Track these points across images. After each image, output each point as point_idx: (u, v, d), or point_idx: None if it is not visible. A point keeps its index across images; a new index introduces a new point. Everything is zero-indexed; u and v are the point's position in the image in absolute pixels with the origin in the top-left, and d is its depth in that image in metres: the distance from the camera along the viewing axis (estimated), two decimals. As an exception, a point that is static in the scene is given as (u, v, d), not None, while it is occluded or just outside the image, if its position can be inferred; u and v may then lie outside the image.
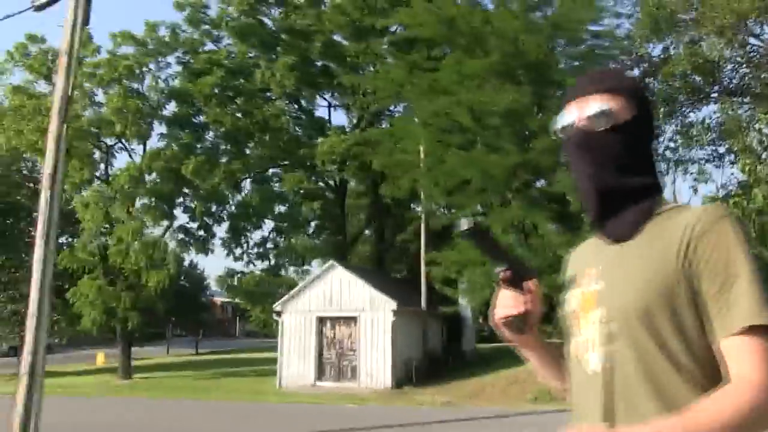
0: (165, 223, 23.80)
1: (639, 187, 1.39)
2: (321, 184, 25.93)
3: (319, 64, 25.43)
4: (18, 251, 28.71)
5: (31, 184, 30.36)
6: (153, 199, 23.12)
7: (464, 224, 1.31)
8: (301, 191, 24.03)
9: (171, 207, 23.62)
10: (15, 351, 38.64)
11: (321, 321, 20.43)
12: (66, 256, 23.92)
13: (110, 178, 24.20)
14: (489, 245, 1.40)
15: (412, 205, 25.04)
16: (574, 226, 17.13)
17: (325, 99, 27.43)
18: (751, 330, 1.15)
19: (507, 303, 1.41)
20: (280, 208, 24.34)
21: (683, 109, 18.89)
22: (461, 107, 16.83)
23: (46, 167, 11.17)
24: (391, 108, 24.58)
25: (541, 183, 18.25)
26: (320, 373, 20.10)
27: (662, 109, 17.60)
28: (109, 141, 24.75)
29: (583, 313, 1.38)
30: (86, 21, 11.87)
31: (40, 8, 12.47)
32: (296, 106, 26.76)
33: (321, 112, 26.55)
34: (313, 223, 25.89)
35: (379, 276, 23.26)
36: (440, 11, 17.67)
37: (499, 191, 17.11)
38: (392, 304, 19.08)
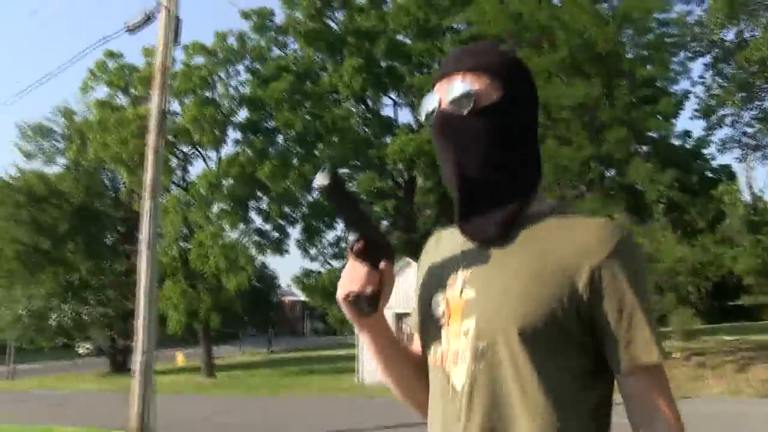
0: (241, 226, 24.73)
1: (509, 180, 1.24)
2: (391, 182, 26.37)
3: (384, 64, 25.86)
4: (102, 257, 30.09)
5: (113, 194, 31.80)
6: (230, 204, 23.96)
7: (321, 178, 1.13)
8: (373, 190, 24.49)
9: (246, 210, 24.51)
10: (98, 351, 40.54)
11: (399, 318, 20.84)
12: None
13: (188, 185, 25.22)
14: (347, 206, 1.22)
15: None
16: (646, 216, 17.17)
17: (390, 98, 27.86)
18: (651, 366, 1.14)
19: (355, 277, 1.24)
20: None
21: (762, 95, 18.61)
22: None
23: (147, 178, 11.92)
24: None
25: (613, 174, 18.30)
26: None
27: (738, 96, 17.44)
28: (186, 149, 25.80)
29: (451, 321, 1.25)
30: (176, 40, 12.61)
31: (132, 30, 13.31)
32: (363, 107, 27.26)
33: (386, 111, 27.00)
34: (385, 222, 26.37)
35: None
36: (507, 7, 17.90)
37: (572, 184, 17.26)
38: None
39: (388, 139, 26.39)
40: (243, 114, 25.74)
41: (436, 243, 1.41)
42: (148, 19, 12.75)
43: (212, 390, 21.24)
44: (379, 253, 1.24)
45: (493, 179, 1.24)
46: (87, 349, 41.47)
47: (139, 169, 24.55)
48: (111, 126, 23.69)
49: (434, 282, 1.31)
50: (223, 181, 23.69)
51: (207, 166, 25.51)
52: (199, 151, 25.81)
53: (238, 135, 25.59)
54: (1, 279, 30.97)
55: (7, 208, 28.11)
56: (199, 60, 25.20)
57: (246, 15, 25.34)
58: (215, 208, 24.50)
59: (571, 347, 1.16)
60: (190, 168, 26.47)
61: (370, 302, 1.25)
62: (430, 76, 24.58)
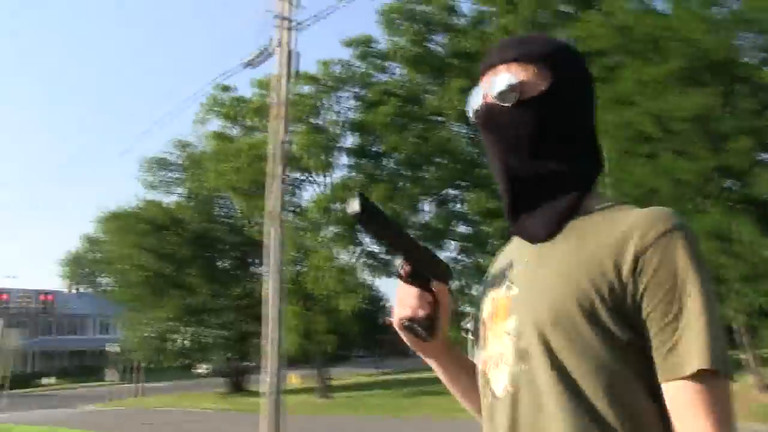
0: (353, 249, 25.22)
1: (559, 176, 1.17)
2: (500, 203, 26.30)
3: (487, 84, 25.94)
4: (220, 281, 31.37)
5: (227, 220, 33.17)
6: (341, 227, 24.53)
7: (352, 205, 1.08)
8: (483, 211, 24.48)
9: (357, 233, 25.01)
10: (215, 371, 42.11)
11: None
12: (264, 283, 25.85)
13: (299, 210, 26.00)
14: (384, 230, 1.18)
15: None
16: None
17: (497, 116, 27.86)
18: (701, 374, 0.98)
19: (408, 302, 1.20)
20: (462, 229, 25.12)
21: None
22: (645, 116, 16.61)
23: (270, 206, 12.46)
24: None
25: (737, 186, 17.53)
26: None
27: None
28: (297, 175, 26.61)
29: (493, 322, 1.19)
30: (293, 74, 13.16)
31: (250, 65, 13.99)
32: (468, 127, 27.40)
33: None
34: (494, 242, 26.31)
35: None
36: (614, 20, 17.60)
37: (692, 198, 16.65)
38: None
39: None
40: (351, 139, 26.40)
41: (503, 251, 1.34)
42: (265, 54, 13.39)
43: (331, 410, 21.67)
44: (429, 274, 1.20)
45: (542, 175, 1.17)
46: (205, 369, 43.16)
47: (255, 196, 25.59)
48: (226, 156, 24.79)
49: (488, 284, 1.26)
50: (334, 205, 24.26)
51: (318, 191, 26.29)
52: (310, 177, 26.61)
53: (347, 160, 26.24)
54: (129, 303, 32.92)
55: (132, 236, 29.85)
56: (305, 89, 26.04)
57: (348, 43, 25.99)
58: (327, 232, 25.12)
59: (615, 347, 1.04)
60: (301, 193, 27.26)
61: (425, 327, 1.19)
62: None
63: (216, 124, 28.61)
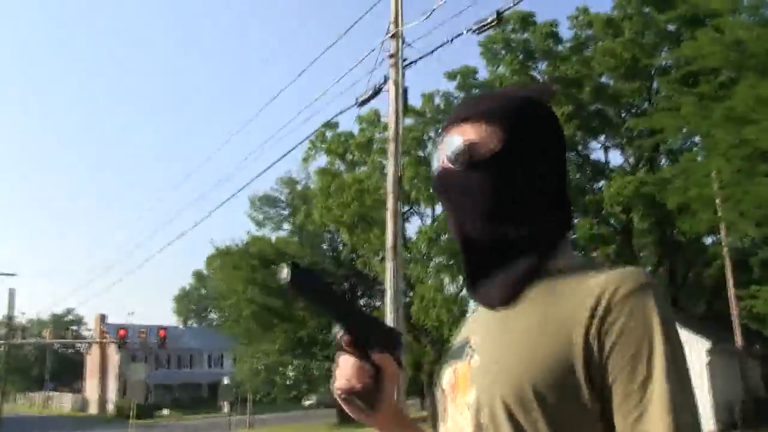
0: (461, 279, 25.26)
1: (517, 239, 1.09)
2: (609, 227, 25.76)
3: (591, 108, 25.60)
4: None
5: (332, 254, 33.93)
6: (447, 258, 24.61)
7: (283, 275, 1.05)
8: (590, 236, 24.04)
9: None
10: (320, 403, 42.76)
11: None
12: (375, 313, 26.21)
13: (405, 241, 26.27)
14: (322, 298, 1.12)
15: (705, 239, 24.08)
16: None
17: (598, 142, 27.41)
18: None
19: (346, 373, 1.10)
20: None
21: None
22: (765, 133, 15.95)
23: (388, 241, 12.66)
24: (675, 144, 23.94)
25: None
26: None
27: None
28: (404, 207, 27.05)
29: (454, 394, 1.11)
30: (405, 111, 13.45)
31: (362, 104, 14.40)
32: (573, 153, 27.09)
33: (595, 155, 26.68)
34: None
35: (682, 315, 22.33)
36: (726, 37, 17.08)
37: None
38: (705, 344, 18.19)
39: (601, 183, 25.92)
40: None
41: (472, 314, 1.25)
42: (377, 92, 13.76)
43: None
44: (372, 344, 1.11)
45: (499, 239, 1.10)
46: (311, 400, 43.82)
47: (360, 229, 26.05)
48: (332, 191, 25.44)
49: (450, 354, 1.17)
50: (441, 237, 24.37)
51: (423, 222, 26.53)
52: (416, 209, 26.91)
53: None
54: (239, 336, 33.99)
55: (242, 272, 30.94)
56: (408, 121, 26.46)
57: (451, 75, 26.29)
58: (434, 263, 25.26)
59: (583, 417, 0.96)
60: (407, 225, 27.57)
61: (364, 398, 1.10)
62: (641, 116, 23.95)
63: (322, 161, 29.46)
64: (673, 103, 19.49)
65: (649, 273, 1.02)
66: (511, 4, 12.43)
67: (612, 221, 26.00)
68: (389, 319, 12.46)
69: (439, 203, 1.25)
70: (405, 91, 13.13)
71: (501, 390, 0.99)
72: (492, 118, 1.11)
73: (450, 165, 1.12)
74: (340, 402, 1.11)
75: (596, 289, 0.97)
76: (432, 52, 13.34)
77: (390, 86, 13.07)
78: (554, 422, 0.96)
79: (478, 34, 12.97)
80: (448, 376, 1.13)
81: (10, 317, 32.81)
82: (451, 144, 1.12)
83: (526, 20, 25.24)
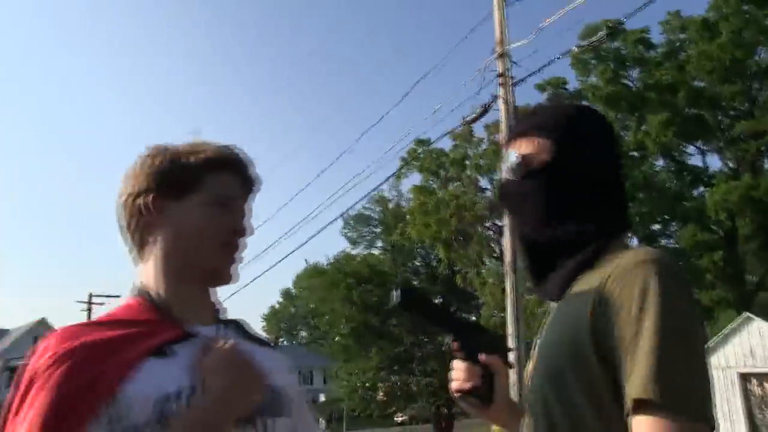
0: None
1: (572, 238, 1.19)
2: (713, 234, 25.16)
3: (688, 113, 25.13)
4: (423, 330, 32.25)
5: (425, 270, 34.20)
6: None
7: (394, 298, 1.19)
8: (695, 244, 23.52)
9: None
10: (411, 419, 42.89)
11: (744, 378, 19.44)
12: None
13: (502, 256, 26.32)
14: (430, 315, 1.28)
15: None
16: None
17: (697, 147, 26.83)
18: (643, 407, 0.94)
19: (459, 376, 1.28)
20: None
21: None
22: None
23: (506, 256, 12.88)
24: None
25: None
26: (753, 435, 18.98)
27: None
28: (500, 222, 27.10)
29: (529, 378, 1.23)
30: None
31: (471, 122, 14.71)
32: (667, 160, 26.59)
33: (692, 160, 26.23)
34: (709, 276, 25.15)
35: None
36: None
37: None
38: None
39: (700, 189, 25.36)
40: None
41: None
42: (485, 111, 14.04)
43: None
44: (480, 348, 1.27)
45: (553, 239, 1.20)
46: (403, 417, 44.03)
47: (461, 245, 26.24)
48: (428, 208, 25.75)
49: (534, 343, 1.31)
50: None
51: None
52: (514, 223, 26.92)
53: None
54: (336, 354, 34.64)
55: (340, 290, 31.57)
56: (499, 137, 26.58)
57: (540, 87, 26.30)
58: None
59: (601, 387, 1.03)
60: (502, 240, 27.59)
61: (477, 396, 1.27)
62: (742, 119, 23.38)
63: (415, 178, 29.83)
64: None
65: (658, 251, 1.07)
66: (623, 18, 12.51)
67: (714, 227, 25.36)
68: (511, 333, 12.67)
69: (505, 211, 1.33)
70: (516, 108, 13.38)
71: (540, 365, 1.16)
72: (543, 132, 1.23)
73: (509, 176, 1.27)
74: (456, 400, 1.30)
75: (611, 268, 1.07)
76: (540, 69, 13.55)
77: (500, 105, 13.33)
78: (576, 396, 1.05)
79: (590, 50, 13.13)
80: (532, 360, 1.27)
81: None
82: (510, 158, 1.26)
83: (612, 27, 25.02)
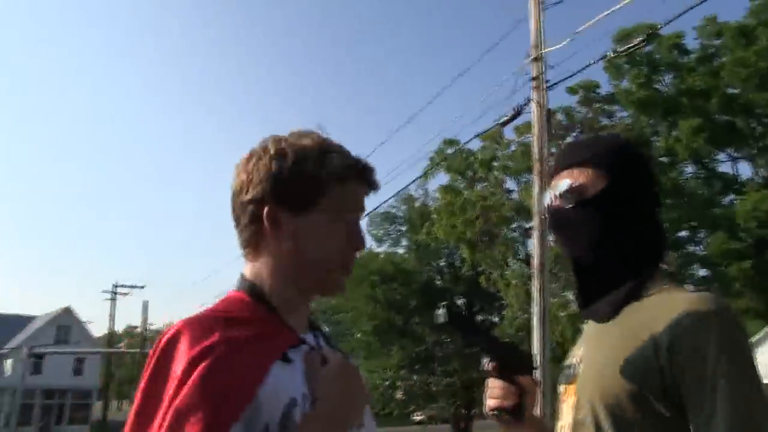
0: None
1: (620, 266, 1.28)
2: (743, 243, 24.93)
3: (720, 119, 24.88)
4: (444, 330, 32.33)
5: (449, 270, 34.20)
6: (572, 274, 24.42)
7: (441, 317, 1.23)
8: (723, 252, 23.31)
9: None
10: (430, 419, 42.93)
11: (769, 388, 19.26)
12: (497, 332, 26.29)
13: (527, 258, 26.23)
14: (472, 333, 1.34)
15: None
16: None
17: (727, 154, 26.55)
18: None
19: (494, 393, 1.33)
20: (702, 272, 24.11)
21: None
22: None
23: (535, 258, 12.86)
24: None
25: None
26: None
27: None
28: (525, 224, 27.02)
29: (565, 396, 1.32)
30: (549, 130, 13.67)
31: (504, 124, 14.70)
32: (697, 166, 26.34)
33: (722, 168, 26.00)
34: (737, 284, 24.92)
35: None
36: None
37: None
38: None
39: (731, 197, 25.11)
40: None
41: (585, 326, 1.46)
42: (518, 113, 14.03)
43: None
44: (514, 368, 1.33)
45: (604, 264, 1.28)
46: (421, 416, 44.07)
47: (486, 246, 26.22)
48: (456, 209, 25.76)
49: (567, 360, 1.41)
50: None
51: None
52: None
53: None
54: (359, 351, 34.76)
55: (364, 288, 31.68)
56: (529, 139, 26.49)
57: (572, 90, 26.16)
58: (559, 279, 25.11)
59: (658, 423, 1.11)
60: (529, 242, 27.52)
61: (512, 413, 1.32)
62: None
63: (442, 178, 29.85)
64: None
65: (717, 298, 1.16)
66: (661, 23, 12.45)
67: (743, 236, 25.11)
68: (536, 337, 12.67)
69: (554, 235, 1.39)
70: (549, 112, 13.36)
71: (592, 393, 1.21)
72: (598, 163, 1.30)
73: (560, 203, 1.32)
74: (490, 417, 1.35)
75: (669, 313, 1.14)
76: (574, 74, 13.52)
77: (533, 107, 13.30)
78: (629, 424, 1.14)
79: (625, 55, 13.07)
80: (563, 380, 1.36)
81: (144, 328, 34.83)
82: (562, 185, 1.32)
83: (651, 33, 24.87)
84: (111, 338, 47.52)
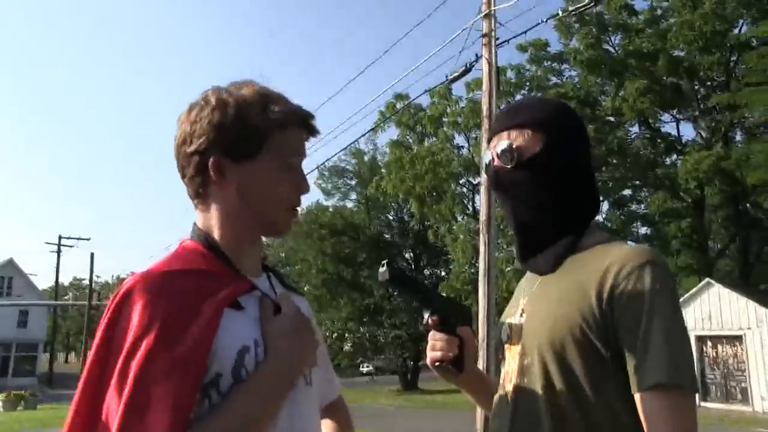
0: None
1: (559, 220, 1.35)
2: (682, 202, 25.70)
3: (666, 81, 25.37)
4: (394, 283, 32.73)
5: (397, 224, 34.50)
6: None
7: (383, 274, 1.27)
8: (664, 211, 24.06)
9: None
10: (377, 370, 43.74)
11: (700, 340, 20.16)
12: (444, 286, 26.73)
13: (475, 213, 26.63)
14: (413, 290, 1.38)
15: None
16: None
17: (671, 115, 27.15)
18: (659, 387, 1.14)
19: (438, 347, 1.38)
20: (642, 230, 24.86)
21: None
22: None
23: (482, 214, 13.07)
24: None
25: None
26: (704, 394, 19.78)
27: None
28: (474, 180, 27.35)
29: (509, 345, 1.37)
30: (498, 87, 13.78)
31: (454, 80, 14.75)
32: (643, 126, 26.89)
33: (666, 129, 26.51)
34: (677, 242, 25.75)
35: (761, 294, 22.24)
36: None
37: None
38: (776, 319, 18.22)
39: (673, 158, 25.77)
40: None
41: (522, 279, 1.52)
42: (468, 70, 14.10)
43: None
44: (454, 321, 1.38)
45: (544, 220, 1.35)
46: (368, 367, 44.80)
47: (434, 201, 26.47)
48: (404, 164, 25.89)
49: (507, 312, 1.46)
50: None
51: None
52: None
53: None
54: (310, 304, 34.95)
55: (314, 241, 31.76)
56: (478, 95, 26.63)
57: (522, 48, 26.31)
58: (505, 235, 25.56)
59: (599, 365, 1.21)
60: (477, 197, 27.87)
61: (455, 365, 1.38)
62: (719, 90, 23.73)
63: (392, 133, 29.92)
64: (760, 77, 19.24)
65: (653, 251, 1.26)
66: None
67: (683, 195, 25.90)
68: (482, 291, 12.95)
69: (495, 195, 1.44)
70: (498, 69, 13.45)
71: (538, 341, 1.27)
72: (535, 125, 1.35)
73: (500, 164, 1.37)
74: (433, 369, 1.40)
75: (609, 265, 1.22)
76: (525, 32, 13.62)
77: (483, 64, 13.37)
78: (577, 368, 1.22)
79: (574, 16, 13.17)
80: (505, 330, 1.39)
81: (91, 280, 34.35)
82: (500, 147, 1.36)
83: (600, -7, 25.04)
84: (57, 290, 46.75)
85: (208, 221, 1.22)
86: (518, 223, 1.38)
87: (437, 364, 1.38)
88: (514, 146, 1.34)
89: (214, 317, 1.08)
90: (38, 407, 24.36)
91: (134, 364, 1.00)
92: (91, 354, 1.08)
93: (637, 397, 1.16)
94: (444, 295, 1.51)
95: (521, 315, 1.35)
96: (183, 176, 1.23)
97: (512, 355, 1.34)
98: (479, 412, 11.92)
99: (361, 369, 45.24)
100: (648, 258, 1.21)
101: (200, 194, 1.22)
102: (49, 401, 27.38)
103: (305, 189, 1.26)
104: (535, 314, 1.31)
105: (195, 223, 1.25)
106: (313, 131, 1.27)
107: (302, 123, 1.24)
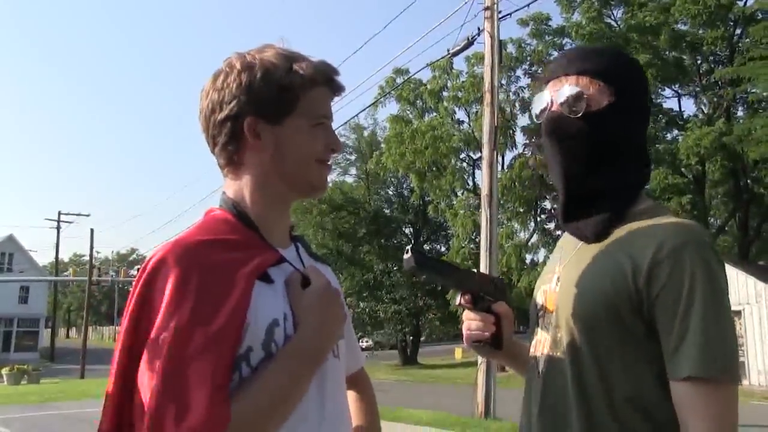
0: (531, 225, 25.56)
1: (613, 187, 1.26)
2: (684, 177, 25.63)
3: (668, 56, 25.18)
4: (394, 258, 32.77)
5: (398, 199, 34.47)
6: (520, 205, 24.82)
7: (409, 261, 1.22)
8: (664, 186, 23.98)
9: (535, 211, 25.30)
10: (376, 345, 44.03)
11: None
12: (443, 258, 26.81)
13: (476, 188, 26.59)
14: (440, 272, 1.32)
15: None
16: None
17: (673, 90, 26.98)
18: (692, 379, 1.08)
19: (473, 326, 1.35)
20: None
21: None
22: None
23: (483, 189, 13.04)
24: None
25: None
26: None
27: None
28: (474, 155, 27.27)
29: (543, 312, 1.32)
30: (500, 61, 13.67)
31: (455, 54, 14.64)
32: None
33: (668, 104, 26.32)
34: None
35: (761, 269, 22.29)
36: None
37: None
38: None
39: (674, 133, 25.65)
40: (525, 119, 26.57)
41: (560, 241, 1.44)
42: (471, 43, 13.97)
43: (506, 384, 22.15)
44: (487, 299, 1.35)
45: (597, 183, 1.25)
46: (368, 342, 45.10)
47: (435, 176, 26.40)
48: (405, 138, 25.78)
49: (542, 279, 1.39)
50: (514, 184, 24.52)
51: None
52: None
53: (522, 138, 26.47)
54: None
55: (313, 216, 31.74)
56: (480, 69, 26.43)
57: (523, 22, 26.08)
58: (506, 210, 25.56)
59: (632, 342, 1.15)
60: (477, 172, 27.81)
61: (492, 343, 1.35)
62: (722, 64, 23.53)
63: (392, 108, 29.77)
64: (766, 50, 19.04)
65: (699, 227, 1.19)
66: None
67: (684, 171, 25.82)
68: (483, 266, 12.94)
69: (544, 142, 1.31)
70: (500, 43, 13.34)
71: (572, 311, 1.21)
72: (606, 77, 1.25)
73: (563, 111, 1.26)
74: (473, 348, 1.38)
75: (651, 241, 1.15)
76: (528, 5, 13.49)
77: (485, 38, 13.24)
78: (606, 340, 1.17)
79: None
80: (540, 297, 1.35)
81: (92, 256, 34.40)
82: (568, 92, 1.26)
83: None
84: (57, 266, 46.80)
85: (240, 189, 1.21)
86: (569, 177, 1.27)
87: (475, 344, 1.36)
88: (583, 94, 1.24)
89: (247, 290, 1.08)
90: (41, 381, 24.64)
91: (168, 340, 1.00)
92: (121, 333, 1.08)
93: (672, 383, 1.11)
94: (474, 271, 1.45)
95: (557, 282, 1.30)
96: (213, 147, 1.21)
97: (545, 324, 1.30)
98: (480, 386, 11.98)
99: (360, 344, 45.31)
100: (690, 237, 1.14)
101: (234, 161, 1.20)
102: (51, 375, 27.57)
103: (338, 147, 1.25)
104: (570, 284, 1.25)
105: (224, 192, 1.24)
106: (339, 88, 1.25)
107: (328, 80, 1.23)
